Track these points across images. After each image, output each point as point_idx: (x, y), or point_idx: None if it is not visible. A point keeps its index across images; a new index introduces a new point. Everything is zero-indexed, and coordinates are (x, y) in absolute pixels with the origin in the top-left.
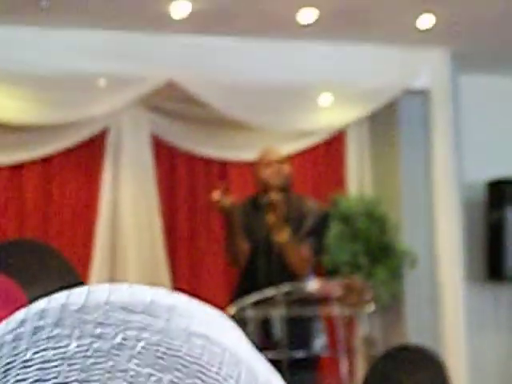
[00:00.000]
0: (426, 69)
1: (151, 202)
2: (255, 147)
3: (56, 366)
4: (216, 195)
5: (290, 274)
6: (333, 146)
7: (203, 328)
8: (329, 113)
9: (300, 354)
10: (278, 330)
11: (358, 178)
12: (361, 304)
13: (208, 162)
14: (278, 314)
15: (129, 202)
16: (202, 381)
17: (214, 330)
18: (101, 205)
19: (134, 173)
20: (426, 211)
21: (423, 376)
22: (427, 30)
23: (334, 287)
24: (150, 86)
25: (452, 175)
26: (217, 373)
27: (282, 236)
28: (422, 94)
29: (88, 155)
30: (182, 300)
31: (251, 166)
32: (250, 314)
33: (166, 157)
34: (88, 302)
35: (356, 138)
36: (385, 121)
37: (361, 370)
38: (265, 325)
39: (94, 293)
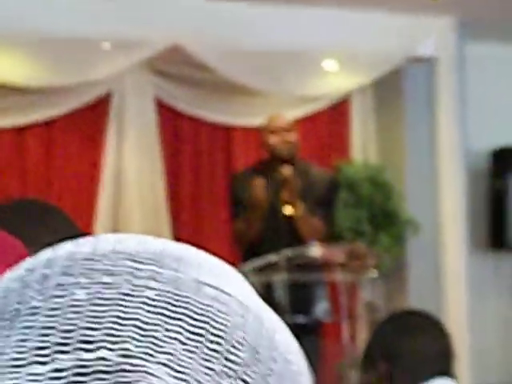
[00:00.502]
0: (433, 36)
1: (155, 165)
2: (260, 113)
3: (63, 314)
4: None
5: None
6: (337, 113)
7: (212, 278)
8: (334, 79)
9: (302, 320)
10: (281, 296)
11: (363, 145)
12: (364, 270)
13: (212, 127)
14: (280, 279)
15: (132, 165)
16: (211, 328)
17: (223, 280)
18: (104, 168)
19: (138, 137)
20: (430, 179)
21: (425, 340)
22: None
23: (337, 253)
24: (154, 49)
25: (456, 143)
26: (225, 321)
27: (295, 210)
28: (428, 62)
29: (91, 119)
30: (190, 250)
31: (256, 132)
32: (253, 279)
33: (170, 121)
34: (96, 250)
35: (361, 105)
36: (390, 88)
37: (363, 335)
38: (267, 290)
39: (102, 242)
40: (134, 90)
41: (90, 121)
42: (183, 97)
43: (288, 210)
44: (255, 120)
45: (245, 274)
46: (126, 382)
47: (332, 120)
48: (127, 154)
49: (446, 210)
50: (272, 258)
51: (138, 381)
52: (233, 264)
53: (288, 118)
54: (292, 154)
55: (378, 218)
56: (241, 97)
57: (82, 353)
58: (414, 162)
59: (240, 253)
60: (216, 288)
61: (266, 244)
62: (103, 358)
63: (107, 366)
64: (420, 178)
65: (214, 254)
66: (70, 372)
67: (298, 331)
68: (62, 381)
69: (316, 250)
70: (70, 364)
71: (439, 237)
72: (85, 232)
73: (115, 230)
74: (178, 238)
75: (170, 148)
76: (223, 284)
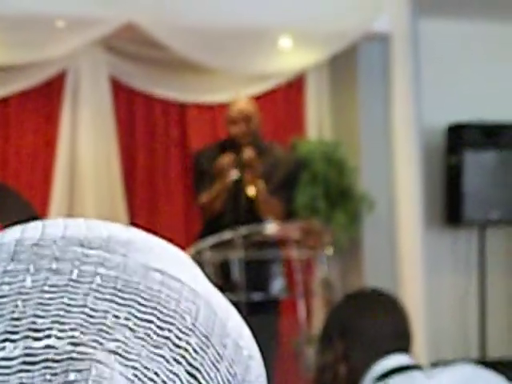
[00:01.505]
0: (386, 13)
1: (110, 143)
2: (215, 90)
3: (12, 301)
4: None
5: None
6: (292, 90)
7: (161, 263)
8: (288, 56)
9: (259, 297)
10: (237, 273)
11: (318, 123)
12: (319, 247)
13: (167, 105)
14: (236, 256)
15: (87, 143)
16: (161, 315)
17: (172, 265)
18: (59, 147)
19: (93, 115)
20: (385, 155)
21: (382, 318)
22: None
23: (293, 230)
24: (109, 27)
25: (411, 120)
26: (175, 308)
27: (257, 191)
28: (382, 39)
29: (46, 97)
30: (140, 235)
31: (211, 109)
32: (208, 256)
33: (125, 99)
34: (44, 236)
35: (315, 83)
36: (344, 65)
37: (318, 312)
38: (223, 267)
39: (50, 227)
40: (89, 68)
41: (45, 99)
42: (138, 75)
43: (250, 191)
44: (210, 97)
45: (201, 252)
46: (75, 370)
47: (287, 97)
48: (82, 131)
49: (402, 186)
50: (228, 235)
51: (87, 369)
52: (189, 242)
53: (250, 101)
54: (255, 138)
55: (332, 195)
56: (195, 74)
57: (30, 341)
58: (368, 138)
59: (198, 230)
60: (165, 273)
61: (225, 223)
62: (52, 347)
63: (56, 354)
64: (375, 155)
65: (170, 231)
66: (18, 360)
67: (255, 308)
68: (11, 370)
69: (271, 228)
70: (18, 353)
71: (394, 214)
72: (39, 214)
73: (70, 207)
74: (133, 216)
75: (124, 126)
76: (174, 270)
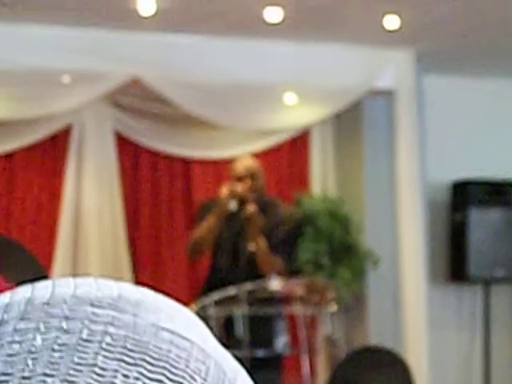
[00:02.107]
0: (391, 69)
1: (114, 198)
2: (219, 146)
3: (22, 360)
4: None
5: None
6: (297, 146)
7: (170, 323)
8: (293, 112)
9: (262, 353)
10: (241, 329)
11: (322, 178)
12: (323, 304)
13: (172, 160)
14: (240, 312)
15: (92, 198)
16: (170, 374)
17: (182, 325)
18: (64, 201)
19: (98, 169)
20: (389, 211)
21: (386, 377)
22: (393, 30)
23: (297, 286)
24: (114, 82)
25: (416, 176)
26: (185, 367)
27: (258, 247)
28: (387, 95)
29: (51, 151)
30: (149, 295)
31: (215, 165)
32: (212, 312)
33: (130, 154)
34: (54, 295)
35: (320, 138)
36: (349, 121)
37: (322, 369)
38: (227, 323)
39: (60, 286)
40: (94, 123)
41: (50, 153)
42: (142, 130)
43: (251, 247)
44: (214, 153)
45: (205, 307)
46: None
47: (291, 153)
48: (87, 186)
49: (406, 242)
50: (232, 291)
51: None
52: (192, 296)
53: (253, 160)
54: (259, 195)
55: (337, 251)
56: (200, 130)
57: None
58: (373, 194)
59: (202, 289)
60: (175, 333)
61: (226, 279)
62: None
63: None
64: (379, 211)
65: (174, 286)
66: None
67: (258, 365)
68: None
69: (276, 284)
70: None
71: (399, 270)
72: (46, 273)
73: (74, 261)
74: (136, 269)
75: (129, 180)
76: (183, 330)
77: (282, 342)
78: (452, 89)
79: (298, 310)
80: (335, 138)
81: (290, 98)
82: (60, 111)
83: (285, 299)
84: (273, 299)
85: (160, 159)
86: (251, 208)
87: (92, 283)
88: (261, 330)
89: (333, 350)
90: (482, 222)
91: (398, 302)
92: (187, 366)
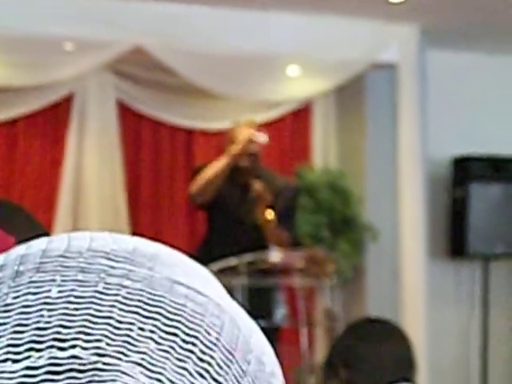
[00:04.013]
0: (395, 43)
1: (115, 167)
2: (221, 117)
3: (37, 311)
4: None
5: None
6: (299, 118)
7: (186, 278)
8: (296, 84)
9: (261, 324)
10: (240, 300)
11: (323, 151)
12: (322, 276)
13: (174, 130)
14: (239, 283)
15: (93, 166)
16: (185, 328)
17: (197, 280)
18: (65, 169)
19: (99, 137)
20: (390, 185)
21: (386, 348)
22: (397, 3)
23: (297, 258)
24: (117, 51)
25: (417, 150)
26: (200, 322)
27: (266, 222)
28: (390, 69)
29: (53, 119)
30: (165, 250)
31: (218, 136)
32: None
33: (132, 123)
34: (70, 248)
35: (322, 111)
36: (351, 94)
37: (320, 342)
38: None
39: (76, 239)
40: (96, 92)
41: (52, 120)
42: (145, 99)
43: (261, 220)
44: (217, 124)
45: None
46: (100, 380)
47: (294, 125)
48: (88, 153)
49: (406, 217)
50: (232, 261)
51: (112, 380)
52: None
53: (254, 125)
54: (255, 164)
55: (337, 223)
56: (203, 100)
57: (55, 351)
58: (374, 168)
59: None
60: (191, 288)
61: (227, 249)
62: (76, 357)
63: (80, 364)
64: (380, 185)
65: None
66: (42, 370)
67: None
68: (35, 379)
69: (275, 255)
70: (42, 362)
71: (398, 244)
72: (48, 231)
73: (74, 229)
74: None
75: (130, 149)
76: (198, 284)
77: (280, 313)
78: (455, 64)
79: (297, 281)
80: (337, 111)
81: (293, 69)
82: (63, 79)
83: (284, 271)
84: (272, 271)
85: (162, 129)
86: (258, 186)
87: (107, 237)
88: (260, 301)
89: (331, 322)
90: (483, 197)
91: (397, 276)
92: (202, 321)
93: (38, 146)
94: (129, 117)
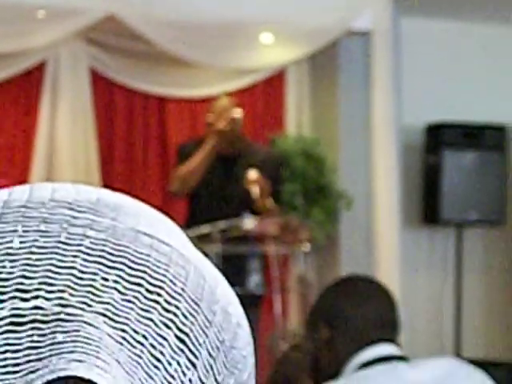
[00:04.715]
0: (368, 10)
1: (88, 134)
2: (194, 85)
3: None
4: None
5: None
6: (272, 86)
7: (150, 228)
8: (269, 51)
9: (235, 291)
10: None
11: (297, 119)
12: (296, 243)
13: (147, 98)
14: (213, 250)
15: (66, 134)
16: (150, 278)
17: (161, 230)
18: (37, 137)
19: (72, 105)
20: (363, 153)
21: (369, 306)
22: None
23: (271, 226)
24: (89, 18)
25: (391, 118)
26: (164, 272)
27: (267, 209)
28: (364, 36)
29: (26, 87)
30: (129, 200)
31: (191, 104)
32: None
33: (105, 91)
34: (32, 198)
35: (296, 78)
36: (325, 61)
37: (294, 308)
38: None
39: (38, 190)
40: (69, 59)
41: (24, 89)
42: (118, 67)
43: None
44: (190, 92)
45: None
46: (63, 331)
47: (267, 93)
48: (61, 122)
49: (380, 184)
50: (206, 229)
51: (76, 330)
52: None
53: (232, 102)
54: (239, 144)
55: (310, 191)
56: (175, 68)
57: (17, 302)
58: (348, 135)
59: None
60: (155, 238)
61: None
62: (39, 308)
63: (43, 315)
64: (354, 152)
65: None
66: (5, 321)
67: None
68: None
69: (250, 223)
70: (5, 313)
71: (372, 212)
72: None
73: None
74: None
75: (103, 117)
76: (162, 234)
77: (255, 281)
78: (429, 31)
79: (271, 249)
80: (311, 79)
81: (266, 37)
82: (35, 47)
83: (258, 238)
84: (246, 238)
85: (135, 97)
86: (253, 174)
87: (70, 188)
88: (234, 268)
89: (305, 289)
90: (456, 165)
91: (371, 244)
92: (167, 271)
93: (10, 114)
94: (101, 85)
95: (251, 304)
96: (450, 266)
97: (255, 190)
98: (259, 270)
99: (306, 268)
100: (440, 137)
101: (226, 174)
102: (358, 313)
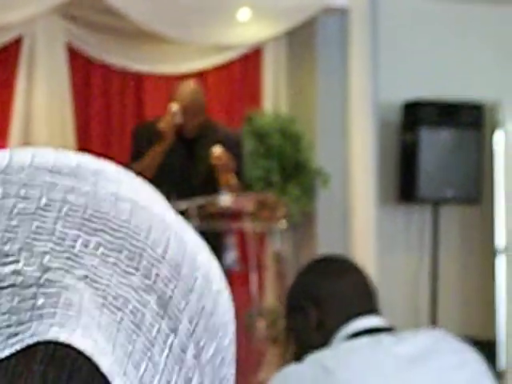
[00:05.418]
0: None
1: (65, 110)
2: (171, 61)
3: None
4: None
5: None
6: (249, 63)
7: (131, 193)
8: (246, 28)
9: None
10: None
11: (274, 96)
12: (273, 220)
13: (123, 74)
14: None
15: (42, 110)
16: (130, 245)
17: (142, 196)
18: (14, 113)
19: (48, 82)
20: (340, 131)
21: (348, 281)
22: None
23: (247, 202)
24: None
25: (368, 95)
26: (145, 238)
27: (232, 185)
28: (341, 13)
29: (1, 63)
30: (110, 166)
31: (167, 80)
32: None
33: (82, 67)
34: (11, 163)
35: (273, 55)
36: (302, 39)
37: (270, 285)
38: None
39: (18, 155)
40: (45, 35)
41: (1, 64)
42: (94, 43)
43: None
44: (167, 68)
45: None
46: (44, 296)
47: (244, 70)
48: (37, 98)
49: (356, 162)
50: (182, 205)
51: (56, 295)
52: None
53: (197, 85)
54: (202, 123)
55: (287, 168)
56: (152, 44)
57: None
58: (324, 112)
59: None
60: (135, 203)
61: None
62: (19, 272)
63: (24, 280)
64: (331, 130)
65: None
66: None
67: None
68: None
69: (226, 199)
70: None
71: (349, 189)
72: None
73: None
74: None
75: (80, 93)
76: (143, 200)
77: (231, 257)
78: (406, 9)
79: (247, 225)
80: (288, 56)
81: (243, 13)
82: (11, 22)
83: (235, 215)
84: (223, 214)
85: (112, 73)
86: (218, 150)
87: (50, 153)
88: (210, 245)
89: (281, 266)
90: (433, 142)
91: (347, 221)
92: (147, 237)
93: None
94: (78, 60)
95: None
96: (427, 243)
97: (219, 166)
98: (235, 247)
99: (283, 245)
100: (417, 114)
101: (187, 155)
102: (340, 288)
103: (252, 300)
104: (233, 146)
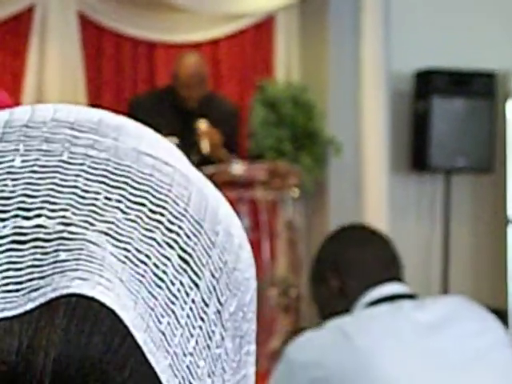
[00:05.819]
0: None
1: (77, 79)
2: (183, 30)
3: (1, 181)
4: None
5: None
6: (261, 31)
7: (153, 149)
8: None
9: None
10: None
11: (286, 64)
12: (285, 188)
13: (136, 42)
14: None
15: (54, 78)
16: (152, 198)
17: (164, 152)
18: (26, 82)
19: (61, 50)
20: (352, 100)
21: (372, 249)
22: None
23: (259, 171)
24: None
25: (380, 64)
26: (167, 192)
27: (220, 159)
28: None
29: (14, 31)
30: (131, 122)
31: (179, 49)
32: None
33: (93, 35)
34: (34, 118)
35: (285, 23)
36: (315, 7)
37: (282, 253)
38: None
39: (40, 110)
40: (57, 4)
41: (13, 33)
42: (107, 11)
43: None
44: (179, 37)
45: None
46: (66, 249)
47: (256, 38)
48: (49, 66)
49: (369, 130)
50: None
51: (79, 249)
52: None
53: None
54: (203, 96)
55: (299, 137)
56: (164, 13)
57: (19, 220)
58: (337, 81)
59: None
60: (157, 158)
61: None
62: (42, 226)
63: (46, 233)
64: (343, 98)
65: None
66: (7, 239)
67: None
68: (0, 248)
69: (238, 168)
70: (7, 231)
71: (361, 158)
72: None
73: None
74: None
75: (92, 62)
76: (165, 155)
77: (243, 225)
78: None
79: (259, 194)
80: (300, 24)
81: None
82: None
83: (247, 183)
84: (235, 183)
85: (124, 42)
86: (203, 125)
87: (72, 108)
88: None
89: (293, 234)
90: (445, 111)
91: (360, 190)
92: (170, 191)
93: None
94: (90, 29)
95: None
96: (438, 212)
97: (205, 142)
98: (247, 215)
99: (295, 213)
100: (429, 83)
101: (183, 128)
102: (362, 256)
103: (264, 268)
104: (229, 119)
